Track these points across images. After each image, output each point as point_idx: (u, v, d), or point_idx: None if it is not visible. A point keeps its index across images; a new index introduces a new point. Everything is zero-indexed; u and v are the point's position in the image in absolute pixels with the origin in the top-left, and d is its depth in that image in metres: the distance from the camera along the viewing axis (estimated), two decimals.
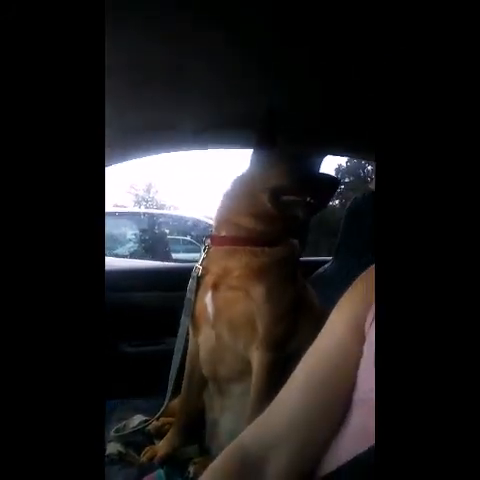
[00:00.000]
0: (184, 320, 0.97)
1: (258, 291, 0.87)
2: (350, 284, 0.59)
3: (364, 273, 0.56)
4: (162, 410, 0.97)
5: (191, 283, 0.97)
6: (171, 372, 0.97)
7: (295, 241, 1.01)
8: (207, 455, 0.97)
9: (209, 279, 0.94)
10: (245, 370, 0.90)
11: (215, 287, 0.92)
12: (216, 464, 0.48)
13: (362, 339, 0.48)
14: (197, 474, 0.90)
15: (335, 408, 0.47)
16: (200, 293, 0.95)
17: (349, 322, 0.50)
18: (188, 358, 0.99)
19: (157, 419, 1.00)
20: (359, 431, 0.42)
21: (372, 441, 0.35)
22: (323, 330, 0.54)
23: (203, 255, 0.97)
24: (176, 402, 1.01)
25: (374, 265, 0.56)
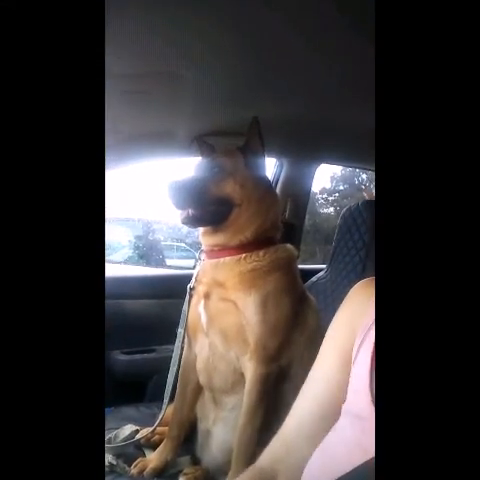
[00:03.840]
0: (180, 332, 0.97)
1: (247, 303, 0.86)
2: (344, 293, 0.59)
3: (349, 295, 0.55)
4: (157, 423, 0.96)
5: (187, 296, 0.97)
6: (167, 384, 0.97)
7: (289, 246, 0.99)
8: (198, 466, 0.96)
9: (201, 289, 0.94)
10: (239, 381, 0.90)
11: (207, 296, 0.92)
12: None
13: (350, 362, 0.49)
14: None
15: (325, 427, 0.49)
16: (194, 303, 0.96)
17: (336, 352, 0.51)
18: (182, 369, 0.99)
19: (152, 432, 0.98)
20: (352, 446, 0.42)
21: (365, 457, 0.35)
22: (316, 359, 0.55)
23: (197, 269, 0.98)
24: (169, 413, 0.99)
25: (359, 283, 0.55)
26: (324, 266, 1.50)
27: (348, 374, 0.48)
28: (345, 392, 0.47)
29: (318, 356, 0.55)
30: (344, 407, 0.47)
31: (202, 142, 1.07)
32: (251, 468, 0.53)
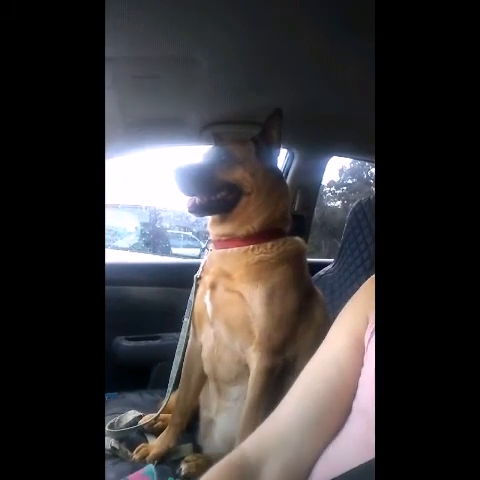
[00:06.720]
0: (186, 321, 0.97)
1: (253, 295, 0.86)
2: (351, 288, 0.58)
3: (365, 284, 0.54)
4: (161, 409, 0.96)
5: (193, 285, 0.97)
6: (171, 372, 0.97)
7: (298, 239, 0.98)
8: (199, 453, 0.97)
9: (207, 279, 0.94)
10: (243, 372, 0.90)
11: (213, 287, 0.92)
12: (215, 469, 0.47)
13: (362, 351, 0.48)
14: (189, 472, 0.89)
15: (330, 418, 0.47)
16: (200, 293, 0.96)
17: (348, 336, 0.50)
18: (187, 358, 0.99)
19: (155, 418, 0.99)
20: (360, 442, 0.41)
21: (372, 453, 0.34)
22: (323, 342, 0.53)
23: (205, 259, 0.98)
24: (173, 400, 1.00)
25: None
26: (332, 260, 1.49)
27: (360, 360, 0.47)
28: (356, 377, 0.46)
29: (326, 340, 0.53)
30: (353, 402, 0.46)
31: (215, 132, 1.07)
32: (233, 453, 0.49)
